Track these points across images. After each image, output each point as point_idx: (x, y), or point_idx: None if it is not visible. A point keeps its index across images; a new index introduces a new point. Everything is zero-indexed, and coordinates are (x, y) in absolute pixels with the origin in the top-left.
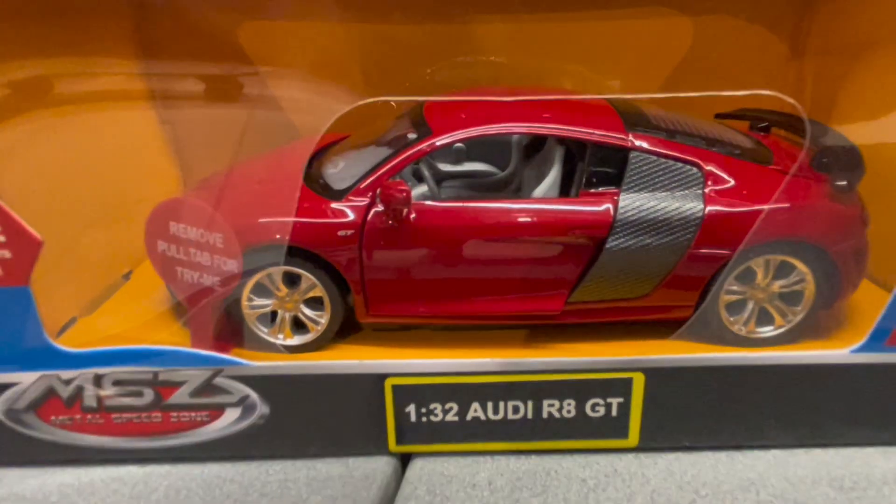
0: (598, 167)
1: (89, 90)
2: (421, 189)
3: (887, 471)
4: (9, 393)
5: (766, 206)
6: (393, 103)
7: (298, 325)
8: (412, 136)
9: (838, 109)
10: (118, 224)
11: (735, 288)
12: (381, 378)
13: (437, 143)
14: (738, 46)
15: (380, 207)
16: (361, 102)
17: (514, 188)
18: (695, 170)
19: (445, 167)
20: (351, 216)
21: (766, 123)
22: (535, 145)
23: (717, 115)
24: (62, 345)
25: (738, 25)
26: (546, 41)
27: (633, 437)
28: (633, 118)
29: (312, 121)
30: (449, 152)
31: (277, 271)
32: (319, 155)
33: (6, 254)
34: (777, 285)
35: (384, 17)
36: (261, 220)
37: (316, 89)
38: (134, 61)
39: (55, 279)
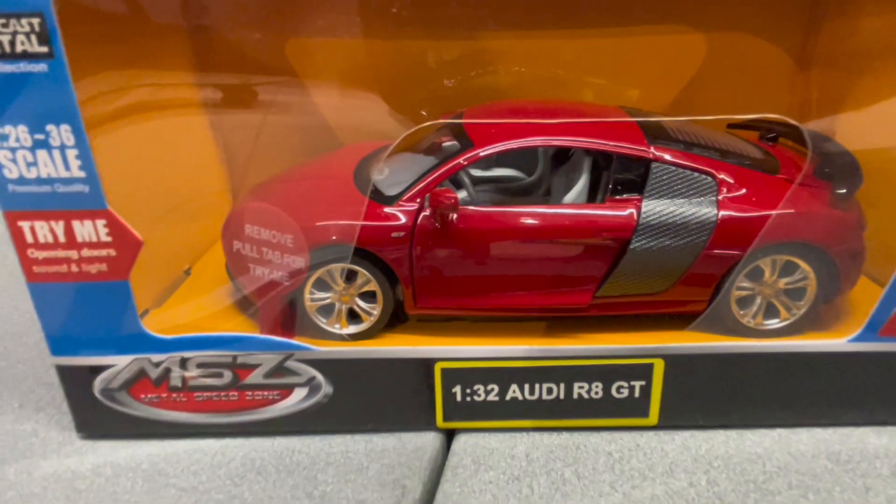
0: (622, 176)
1: (151, 100)
2: (460, 194)
3: (879, 447)
4: (105, 374)
5: (773, 212)
6: (423, 112)
7: (352, 316)
8: (455, 147)
9: (842, 118)
10: (177, 222)
11: (745, 284)
12: (431, 362)
13: (481, 154)
14: (748, 59)
15: (428, 212)
16: (437, 122)
17: (542, 193)
18: (709, 179)
19: (476, 172)
20: (403, 219)
21: (775, 134)
22: (561, 154)
23: (729, 126)
24: (154, 332)
25: (748, 40)
26: (571, 55)
27: (654, 416)
28: (654, 132)
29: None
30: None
31: (336, 268)
32: (364, 162)
33: (112, 252)
34: (782, 282)
35: (424, 33)
36: (321, 223)
37: (350, 96)
38: (190, 73)
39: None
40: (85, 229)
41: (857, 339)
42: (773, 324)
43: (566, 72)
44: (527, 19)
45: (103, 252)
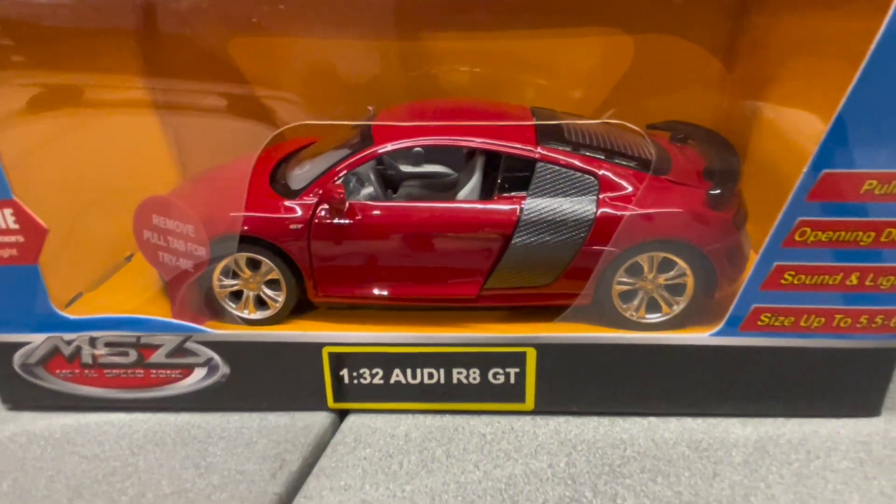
0: (509, 174)
1: (101, 98)
2: (368, 190)
3: (740, 437)
4: (23, 350)
5: (647, 211)
6: (370, 108)
7: (261, 303)
8: (356, 145)
9: (758, 121)
10: (123, 213)
11: (625, 279)
12: (319, 346)
13: (379, 152)
14: (675, 62)
15: (325, 205)
16: (288, 126)
17: (459, 189)
18: (592, 178)
19: (406, 168)
20: (301, 212)
21: (683, 136)
22: (473, 152)
23: (648, 126)
24: (65, 312)
25: (675, 43)
26: (510, 56)
27: (530, 401)
28: (547, 133)
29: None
30: (409, 155)
31: (242, 256)
32: (291, 157)
33: (20, 238)
34: (662, 278)
35: (371, 33)
36: (231, 214)
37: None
38: (140, 77)
39: (66, 259)
40: None
41: (719, 333)
42: (655, 318)
43: (509, 72)
44: (469, 20)
45: (12, 238)
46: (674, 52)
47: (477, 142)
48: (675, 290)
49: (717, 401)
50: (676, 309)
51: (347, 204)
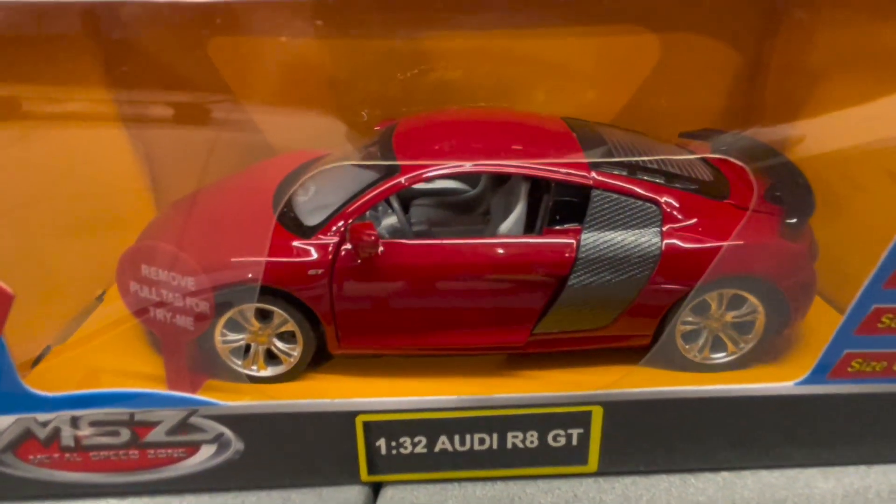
0: (561, 204)
1: (59, 111)
2: (391, 219)
3: (826, 492)
4: None
5: (720, 244)
6: (364, 113)
7: (272, 357)
8: (380, 173)
9: (793, 127)
10: (90, 242)
11: (690, 319)
12: (351, 415)
13: (403, 182)
14: (702, 62)
15: (349, 245)
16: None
17: (482, 210)
18: (653, 207)
19: (417, 185)
20: (318, 255)
21: (726, 147)
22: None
23: (681, 134)
24: (37, 389)
25: (702, 43)
26: (525, 54)
27: (593, 463)
28: (596, 153)
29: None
30: None
31: (249, 307)
32: (290, 178)
33: None
34: (730, 316)
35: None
36: (232, 259)
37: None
38: (103, 88)
39: (26, 303)
40: None
41: (805, 382)
42: (720, 358)
43: (518, 71)
44: (477, 19)
45: None
46: (699, 53)
47: (526, 167)
48: (743, 327)
49: (793, 450)
50: (744, 348)
51: (381, 247)
